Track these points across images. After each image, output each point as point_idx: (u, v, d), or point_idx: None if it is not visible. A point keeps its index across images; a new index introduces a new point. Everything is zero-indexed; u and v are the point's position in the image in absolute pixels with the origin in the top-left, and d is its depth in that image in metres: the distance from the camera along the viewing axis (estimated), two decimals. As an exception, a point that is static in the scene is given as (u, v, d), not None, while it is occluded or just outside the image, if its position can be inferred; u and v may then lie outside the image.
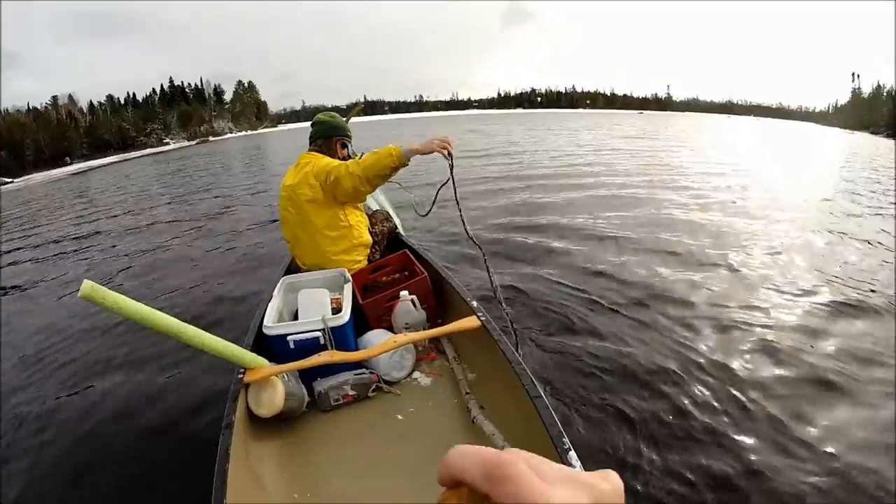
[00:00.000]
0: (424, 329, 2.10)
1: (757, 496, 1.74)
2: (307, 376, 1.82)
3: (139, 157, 47.45)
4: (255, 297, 2.93)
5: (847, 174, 11.51)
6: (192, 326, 1.41)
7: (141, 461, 2.17)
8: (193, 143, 67.02)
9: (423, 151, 2.13)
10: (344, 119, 2.65)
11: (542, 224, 5.76)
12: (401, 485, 1.44)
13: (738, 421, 2.14)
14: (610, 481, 0.21)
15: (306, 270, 2.45)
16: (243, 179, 14.06)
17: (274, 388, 1.61)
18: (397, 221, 3.23)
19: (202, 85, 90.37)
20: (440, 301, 2.38)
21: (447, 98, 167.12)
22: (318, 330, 1.83)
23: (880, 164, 14.00)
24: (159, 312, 1.33)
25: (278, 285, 2.23)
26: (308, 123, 2.59)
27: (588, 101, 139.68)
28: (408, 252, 2.58)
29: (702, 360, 2.61)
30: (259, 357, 1.63)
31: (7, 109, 64.52)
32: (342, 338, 1.87)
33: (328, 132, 2.50)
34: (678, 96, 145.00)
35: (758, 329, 2.99)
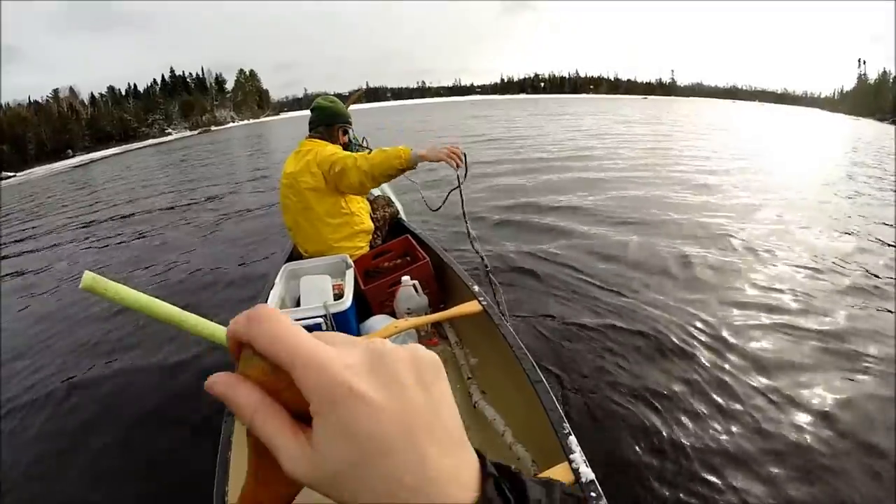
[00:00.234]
0: (426, 314, 2.11)
1: (766, 473, 1.75)
2: (308, 363, 1.83)
3: (141, 147, 47.81)
4: (258, 284, 2.95)
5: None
6: (193, 314, 1.42)
7: (143, 449, 2.21)
8: (195, 132, 67.20)
9: (431, 159, 2.15)
10: (344, 105, 2.65)
11: (547, 207, 5.77)
12: None
13: (742, 402, 2.14)
14: (409, 350, 0.23)
15: (308, 257, 2.46)
16: (245, 168, 14.13)
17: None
18: (399, 206, 3.24)
19: (203, 74, 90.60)
20: (442, 286, 2.39)
21: (449, 84, 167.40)
22: (320, 316, 1.83)
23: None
24: (161, 301, 1.33)
25: (280, 272, 2.25)
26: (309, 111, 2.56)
27: (592, 87, 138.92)
28: (409, 237, 2.59)
29: (704, 342, 2.63)
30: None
31: (8, 103, 64.99)
32: (344, 323, 1.88)
33: (330, 119, 2.48)
34: (682, 81, 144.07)
35: (764, 310, 3.00)
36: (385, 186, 3.31)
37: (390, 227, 2.97)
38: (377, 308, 2.20)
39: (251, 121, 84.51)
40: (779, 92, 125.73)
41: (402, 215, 3.17)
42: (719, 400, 2.16)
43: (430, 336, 2.17)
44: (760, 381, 2.30)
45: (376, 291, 2.21)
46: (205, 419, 2.23)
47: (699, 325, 2.80)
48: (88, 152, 56.35)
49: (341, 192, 2.34)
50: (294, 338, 0.21)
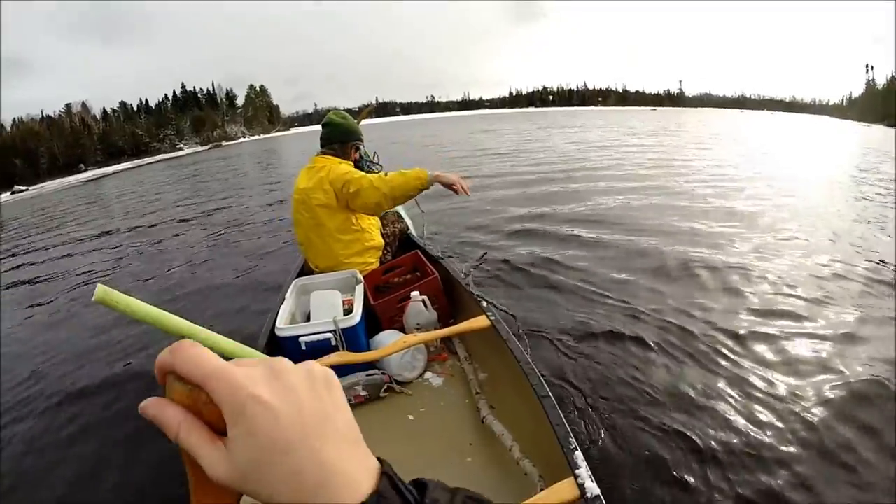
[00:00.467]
0: (436, 329, 2.15)
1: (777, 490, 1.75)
2: (318, 377, 1.87)
3: (152, 162, 48.69)
4: (269, 299, 3.01)
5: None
6: (204, 328, 1.47)
7: (152, 461, 2.25)
8: (206, 148, 68.38)
9: (444, 182, 2.36)
10: (355, 120, 2.72)
11: (557, 219, 5.83)
12: None
13: (755, 421, 2.13)
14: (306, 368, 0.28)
15: (319, 272, 2.52)
16: (256, 183, 14.37)
17: (286, 389, 1.67)
18: (409, 222, 3.29)
19: (214, 90, 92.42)
20: (451, 301, 2.43)
21: (458, 98, 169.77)
22: (330, 331, 1.88)
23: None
24: (172, 315, 1.39)
25: (291, 287, 2.30)
26: (321, 126, 2.63)
27: (600, 99, 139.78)
28: (419, 252, 2.64)
29: (715, 357, 2.62)
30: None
31: (21, 118, 66.64)
32: (353, 338, 1.93)
33: (344, 136, 2.53)
34: (690, 92, 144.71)
35: (780, 321, 3.01)
36: None
37: (400, 242, 3.02)
38: (387, 323, 2.24)
39: (262, 136, 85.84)
40: (787, 100, 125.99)
41: (412, 231, 3.23)
42: (729, 416, 2.16)
43: (440, 351, 2.20)
44: (773, 396, 2.29)
45: (386, 307, 2.25)
46: None
47: (710, 339, 2.79)
48: (100, 167, 57.54)
49: (352, 209, 2.41)
50: (207, 360, 0.25)
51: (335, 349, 1.86)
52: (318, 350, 1.85)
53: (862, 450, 1.95)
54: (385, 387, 1.92)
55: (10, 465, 2.37)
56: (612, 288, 3.58)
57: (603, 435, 2.06)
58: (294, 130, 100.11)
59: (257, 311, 3.55)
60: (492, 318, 1.88)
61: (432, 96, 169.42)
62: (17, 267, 7.48)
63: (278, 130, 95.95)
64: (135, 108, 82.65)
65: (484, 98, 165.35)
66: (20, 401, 2.98)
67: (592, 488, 1.07)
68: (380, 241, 2.63)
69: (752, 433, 2.05)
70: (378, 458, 0.26)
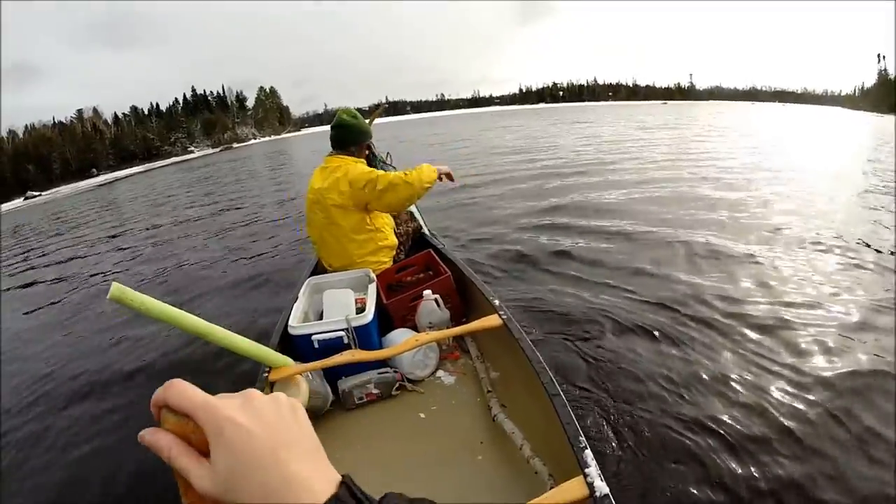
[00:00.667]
0: (448, 328, 2.18)
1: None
2: (331, 375, 1.93)
3: (164, 166, 49.50)
4: (283, 297, 3.08)
5: None
6: (218, 327, 1.53)
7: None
8: (217, 150, 69.26)
9: (442, 173, 2.56)
10: (367, 119, 2.77)
11: (573, 216, 5.81)
12: (421, 480, 1.52)
13: (770, 419, 2.12)
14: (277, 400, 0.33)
15: (332, 271, 2.57)
16: (268, 184, 14.54)
17: (298, 387, 1.71)
18: (422, 221, 3.33)
19: (224, 92, 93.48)
20: (464, 300, 2.45)
21: (468, 95, 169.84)
22: (342, 329, 1.92)
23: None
24: (186, 313, 1.44)
25: (304, 286, 2.35)
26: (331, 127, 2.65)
27: (610, 94, 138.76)
28: (432, 252, 2.67)
29: (729, 357, 2.61)
30: (284, 356, 1.74)
31: (33, 124, 68.11)
32: (366, 337, 1.97)
33: (358, 137, 2.56)
34: (701, 84, 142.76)
35: (798, 329, 2.94)
36: None
37: (413, 241, 3.06)
38: (399, 322, 2.28)
39: (272, 137, 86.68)
40: (798, 91, 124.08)
41: (426, 230, 3.26)
42: (744, 415, 2.14)
43: (452, 350, 2.23)
44: (790, 393, 2.27)
45: (398, 305, 2.29)
46: None
47: (726, 337, 2.78)
48: (113, 171, 58.76)
49: (369, 210, 2.45)
50: (194, 394, 0.30)
51: (347, 347, 1.90)
52: (330, 348, 1.89)
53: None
54: (397, 385, 1.96)
55: (11, 464, 2.48)
56: (626, 284, 3.57)
57: (614, 434, 2.07)
58: (305, 131, 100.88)
59: (271, 310, 3.63)
60: (504, 316, 1.90)
61: (442, 94, 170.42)
62: (29, 270, 7.76)
63: (289, 131, 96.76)
64: (146, 112, 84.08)
65: (494, 95, 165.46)
66: (29, 401, 3.10)
67: (602, 487, 1.08)
68: (393, 240, 2.67)
69: (766, 433, 2.04)
70: (343, 475, 0.32)
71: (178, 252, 6.82)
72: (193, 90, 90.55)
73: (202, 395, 0.30)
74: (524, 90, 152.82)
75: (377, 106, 5.62)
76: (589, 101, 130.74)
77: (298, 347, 1.93)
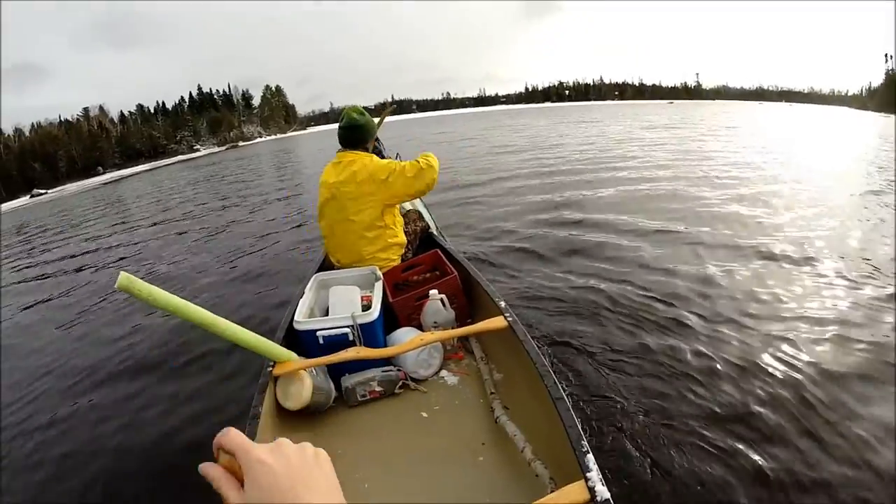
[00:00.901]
0: (453, 328, 2.20)
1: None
2: (335, 371, 1.96)
3: (170, 164, 49.89)
4: (288, 292, 3.14)
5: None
6: (224, 319, 1.57)
7: (167, 446, 2.41)
8: (223, 148, 69.74)
9: None
10: (378, 120, 2.89)
11: (578, 218, 5.83)
12: (421, 479, 1.55)
13: (777, 425, 2.13)
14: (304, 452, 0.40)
15: (340, 267, 2.62)
16: (273, 181, 14.64)
17: (302, 382, 1.75)
18: (430, 221, 3.36)
19: (230, 91, 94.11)
20: (470, 301, 2.48)
21: (474, 94, 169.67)
22: (347, 326, 1.96)
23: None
24: (193, 305, 1.49)
25: (310, 282, 2.40)
26: (336, 125, 2.70)
27: (616, 93, 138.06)
28: (439, 252, 2.70)
29: (730, 366, 2.59)
30: (289, 351, 1.78)
31: (39, 123, 68.94)
32: (371, 335, 2.01)
33: (370, 135, 2.66)
34: (707, 84, 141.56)
35: (810, 325, 2.96)
36: (417, 201, 3.45)
37: (421, 241, 3.10)
38: (404, 321, 2.31)
39: (278, 136, 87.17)
40: (805, 91, 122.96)
41: (434, 230, 3.30)
42: (750, 428, 2.14)
43: (456, 350, 2.25)
44: (805, 405, 2.26)
45: (404, 304, 2.32)
46: (230, 420, 2.38)
47: (733, 345, 2.77)
48: (118, 169, 59.32)
49: (389, 202, 2.54)
50: (239, 441, 0.38)
51: (352, 344, 1.94)
52: (335, 344, 1.93)
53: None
54: (400, 383, 1.99)
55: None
56: (633, 288, 3.58)
57: (617, 439, 2.08)
58: (310, 130, 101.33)
59: (276, 305, 3.71)
60: (509, 318, 1.91)
61: (448, 93, 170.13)
62: (34, 265, 7.90)
63: (295, 130, 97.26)
64: (152, 111, 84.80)
65: (500, 94, 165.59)
66: (32, 396, 3.18)
67: (603, 492, 1.10)
68: (403, 238, 2.72)
69: (771, 446, 2.03)
70: None
71: (183, 248, 6.99)
72: (199, 89, 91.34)
73: (244, 440, 0.38)
74: (530, 89, 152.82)
75: (384, 105, 5.66)
76: (595, 100, 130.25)
77: (303, 343, 1.97)
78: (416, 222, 3.13)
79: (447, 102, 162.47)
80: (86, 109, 74.11)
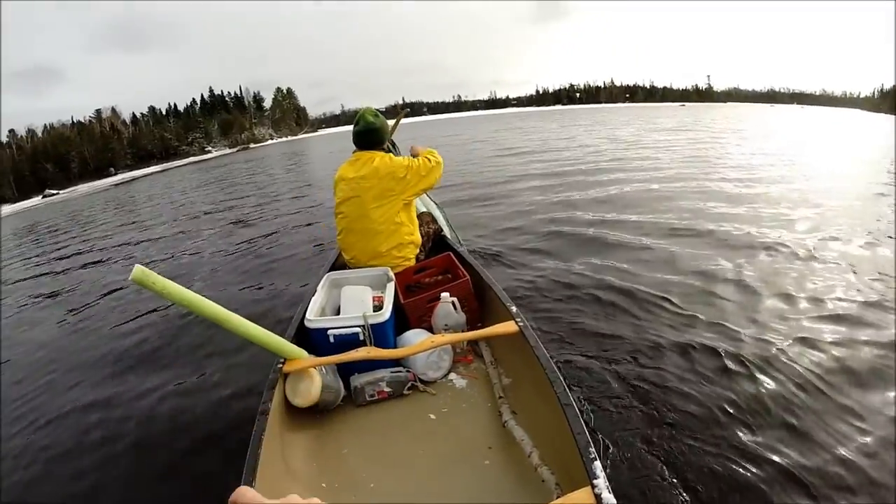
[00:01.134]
0: (464, 331, 2.23)
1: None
2: (345, 370, 2.00)
3: (181, 165, 50.60)
4: (300, 291, 3.18)
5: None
6: (236, 315, 1.61)
7: (178, 440, 2.46)
8: (234, 150, 70.55)
9: None
10: (393, 125, 3.04)
11: (594, 221, 5.80)
12: (427, 481, 1.57)
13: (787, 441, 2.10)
14: None
15: (353, 266, 2.68)
16: (285, 183, 14.82)
17: (311, 380, 1.79)
18: (443, 224, 3.39)
19: (242, 93, 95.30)
20: (481, 304, 2.50)
21: (485, 97, 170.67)
22: (358, 326, 2.00)
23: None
24: (206, 300, 1.53)
25: (322, 281, 2.45)
26: (348, 128, 2.81)
27: (627, 96, 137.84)
28: (451, 255, 2.73)
29: (748, 375, 2.56)
30: (299, 349, 1.82)
31: (52, 124, 70.38)
32: (381, 335, 2.04)
33: (385, 136, 2.77)
34: (719, 86, 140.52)
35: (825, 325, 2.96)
36: (430, 203, 3.49)
37: (433, 243, 3.14)
38: (415, 322, 2.35)
39: (289, 138, 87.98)
40: (816, 93, 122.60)
41: (446, 232, 3.33)
42: (762, 437, 2.11)
43: (466, 353, 2.27)
44: (819, 415, 2.23)
45: (415, 306, 2.36)
46: (239, 416, 2.46)
47: (749, 351, 2.73)
48: (130, 170, 60.24)
49: (406, 198, 2.62)
50: (249, 497, 0.39)
51: (363, 344, 1.97)
52: (345, 343, 1.96)
53: None
54: (409, 385, 2.02)
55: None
56: (644, 292, 3.55)
57: (624, 446, 2.06)
58: (321, 132, 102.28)
59: (289, 303, 3.77)
60: (520, 323, 1.93)
61: (459, 96, 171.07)
62: (44, 263, 8.09)
63: (306, 132, 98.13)
64: (163, 113, 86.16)
65: (510, 97, 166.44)
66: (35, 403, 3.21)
67: (609, 499, 1.10)
68: (418, 237, 2.77)
69: (786, 458, 2.00)
70: None
71: (195, 246, 7.12)
72: (211, 91, 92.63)
73: (254, 499, 0.40)
74: (541, 92, 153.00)
75: (396, 108, 5.74)
76: (606, 102, 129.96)
77: (314, 341, 2.01)
78: (428, 224, 3.16)
79: (458, 105, 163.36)
80: (98, 111, 75.73)
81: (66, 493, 2.26)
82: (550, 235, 5.27)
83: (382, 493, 1.54)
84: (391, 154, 2.69)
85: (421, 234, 2.93)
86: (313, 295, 2.28)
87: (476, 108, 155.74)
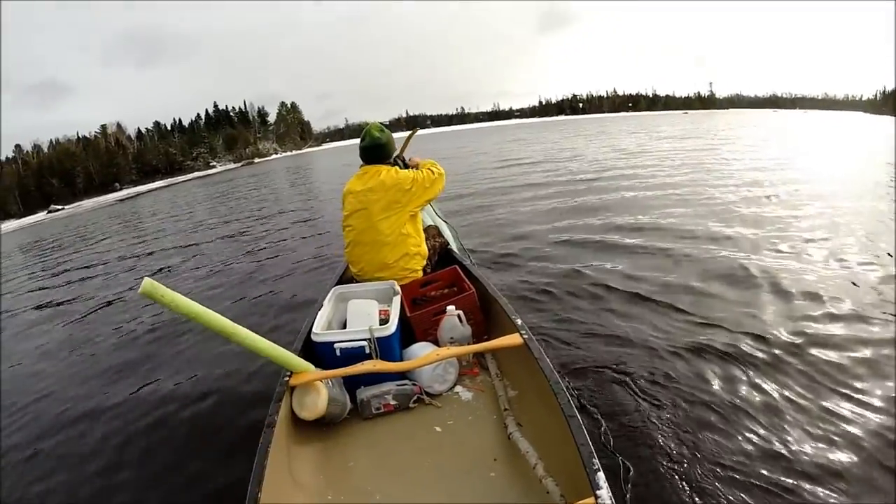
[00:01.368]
0: (469, 344, 2.25)
1: None
2: (351, 384, 2.03)
3: (186, 180, 51.11)
4: (307, 305, 3.23)
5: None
6: (243, 328, 1.65)
7: (183, 452, 2.50)
8: (239, 165, 71.20)
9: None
10: (402, 145, 3.14)
11: (601, 228, 5.84)
12: (433, 493, 1.58)
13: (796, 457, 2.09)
14: None
15: (360, 278, 2.73)
16: (289, 197, 14.99)
17: (318, 393, 1.82)
18: (449, 237, 3.43)
19: (246, 108, 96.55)
20: (487, 317, 2.53)
21: (488, 109, 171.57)
22: (365, 339, 2.03)
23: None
24: (214, 312, 1.57)
25: (329, 295, 2.48)
26: (352, 141, 2.87)
27: (630, 104, 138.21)
28: (457, 268, 2.77)
29: (756, 382, 2.57)
30: (306, 362, 1.85)
31: (58, 139, 71.45)
32: (387, 348, 2.07)
33: (392, 150, 2.84)
34: (721, 93, 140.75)
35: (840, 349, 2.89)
36: (436, 217, 3.53)
37: (440, 256, 3.18)
38: (421, 335, 2.37)
39: (294, 152, 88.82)
40: (819, 97, 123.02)
41: (452, 246, 3.37)
42: (770, 448, 2.11)
43: (471, 366, 2.29)
44: (829, 426, 2.22)
45: (421, 319, 2.38)
46: (246, 428, 2.49)
47: (756, 361, 2.74)
48: (135, 185, 61.02)
49: (412, 209, 2.68)
50: None
51: (369, 357, 2.00)
52: (352, 357, 1.99)
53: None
54: (415, 398, 2.03)
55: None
56: (649, 303, 3.58)
57: (629, 458, 2.07)
58: (326, 146, 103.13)
59: (296, 318, 3.80)
60: (525, 336, 1.96)
61: (462, 108, 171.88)
62: (48, 278, 8.14)
63: (310, 146, 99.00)
64: (168, 128, 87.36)
65: (514, 108, 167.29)
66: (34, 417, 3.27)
67: None
68: (425, 249, 2.82)
69: (789, 467, 2.00)
70: None
71: (200, 261, 7.22)
72: (216, 105, 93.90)
73: None
74: (544, 102, 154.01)
75: (405, 128, 5.86)
76: (609, 112, 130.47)
77: (320, 354, 2.04)
78: (434, 238, 3.21)
79: (461, 117, 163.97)
80: (103, 126, 76.75)
81: (70, 501, 2.30)
82: (557, 244, 5.34)
83: None
84: (397, 168, 2.75)
85: (427, 247, 2.98)
86: (320, 309, 2.31)
87: (479, 120, 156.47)
